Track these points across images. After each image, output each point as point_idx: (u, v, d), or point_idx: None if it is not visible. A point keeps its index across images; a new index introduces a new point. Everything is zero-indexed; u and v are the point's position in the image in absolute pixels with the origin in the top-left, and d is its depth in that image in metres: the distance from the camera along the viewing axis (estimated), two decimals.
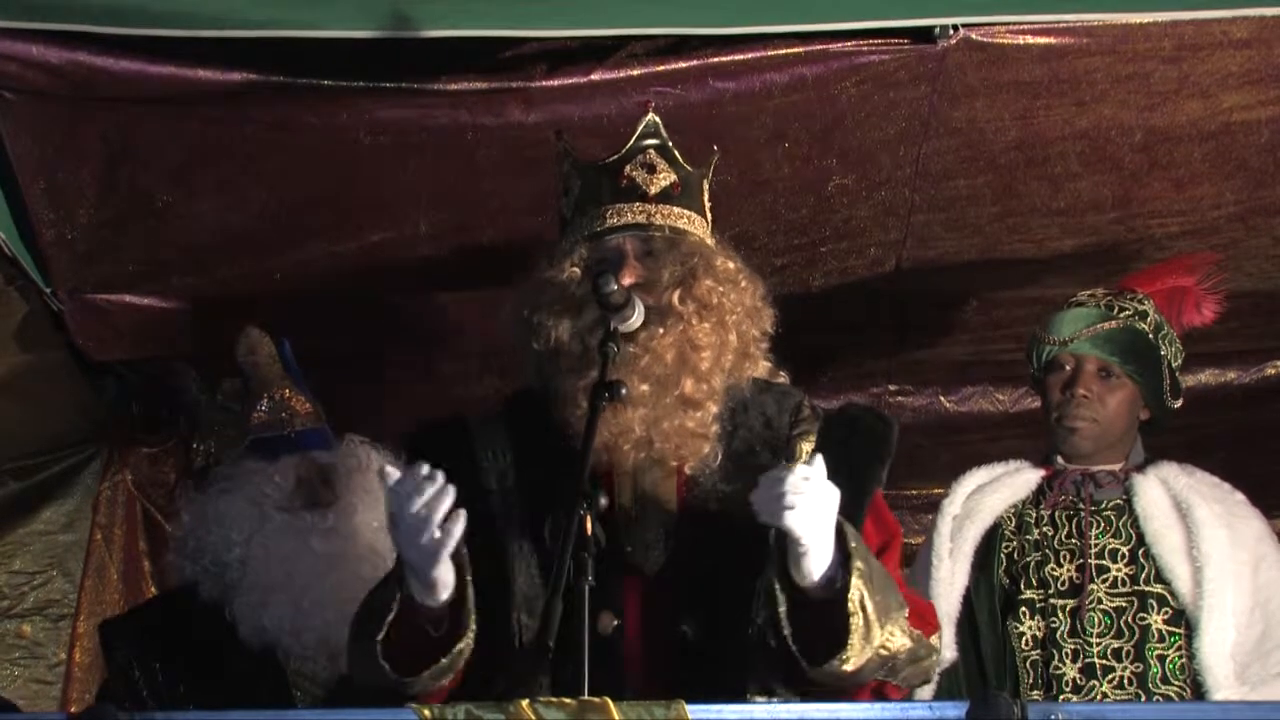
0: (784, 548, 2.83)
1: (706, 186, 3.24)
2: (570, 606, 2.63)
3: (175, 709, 3.76)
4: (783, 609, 2.85)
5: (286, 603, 3.83)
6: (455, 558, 2.83)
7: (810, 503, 2.77)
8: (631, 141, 3.16)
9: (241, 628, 3.84)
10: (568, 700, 2.54)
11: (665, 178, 3.14)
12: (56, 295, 4.49)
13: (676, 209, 3.14)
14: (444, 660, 2.86)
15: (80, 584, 5.09)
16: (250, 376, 4.03)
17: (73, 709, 4.72)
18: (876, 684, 2.94)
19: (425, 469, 2.79)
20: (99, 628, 4.20)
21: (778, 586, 2.85)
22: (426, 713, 2.57)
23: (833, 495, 2.81)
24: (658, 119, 3.18)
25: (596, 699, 2.53)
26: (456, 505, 2.84)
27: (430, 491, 2.77)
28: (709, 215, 3.23)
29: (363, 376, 4.85)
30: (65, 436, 5.14)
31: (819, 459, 2.82)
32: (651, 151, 3.16)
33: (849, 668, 2.82)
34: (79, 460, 5.18)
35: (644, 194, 3.12)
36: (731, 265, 3.14)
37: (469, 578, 2.87)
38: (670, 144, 3.18)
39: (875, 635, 2.83)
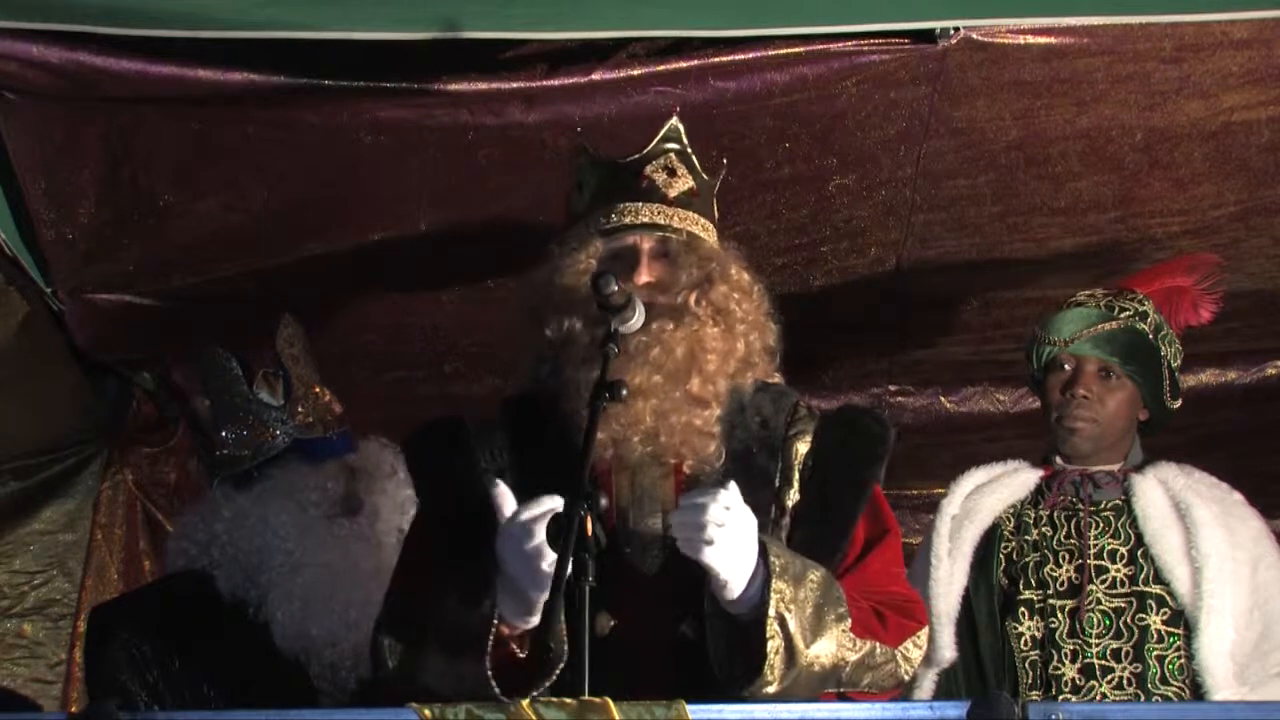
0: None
1: (715, 198, 3.26)
2: (569, 607, 2.63)
3: (194, 702, 3.74)
4: (710, 633, 2.87)
5: (332, 613, 3.78)
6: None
7: (729, 535, 2.79)
8: (654, 143, 3.18)
9: (278, 632, 3.80)
10: (568, 700, 2.54)
11: (684, 183, 3.16)
12: (57, 295, 4.49)
13: (693, 214, 3.16)
14: (546, 684, 2.81)
15: (81, 584, 5.08)
16: (288, 370, 3.99)
17: (73, 709, 4.73)
18: (836, 695, 2.95)
19: (550, 500, 2.79)
20: (90, 612, 4.14)
21: (707, 610, 2.87)
22: (427, 713, 2.57)
23: (751, 523, 2.83)
24: (680, 125, 3.20)
25: (597, 699, 2.53)
26: (456, 505, 2.85)
27: (540, 533, 2.76)
28: (716, 226, 3.25)
29: (363, 376, 4.85)
30: (66, 436, 5.13)
31: (733, 485, 2.84)
32: (673, 155, 3.18)
33: (770, 689, 2.82)
34: (79, 460, 5.17)
35: (663, 196, 3.14)
36: (746, 277, 3.17)
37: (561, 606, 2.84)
38: (690, 151, 3.20)
39: (801, 656, 2.83)
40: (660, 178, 3.15)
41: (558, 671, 2.79)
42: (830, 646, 2.87)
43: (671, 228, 3.12)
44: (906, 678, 3.05)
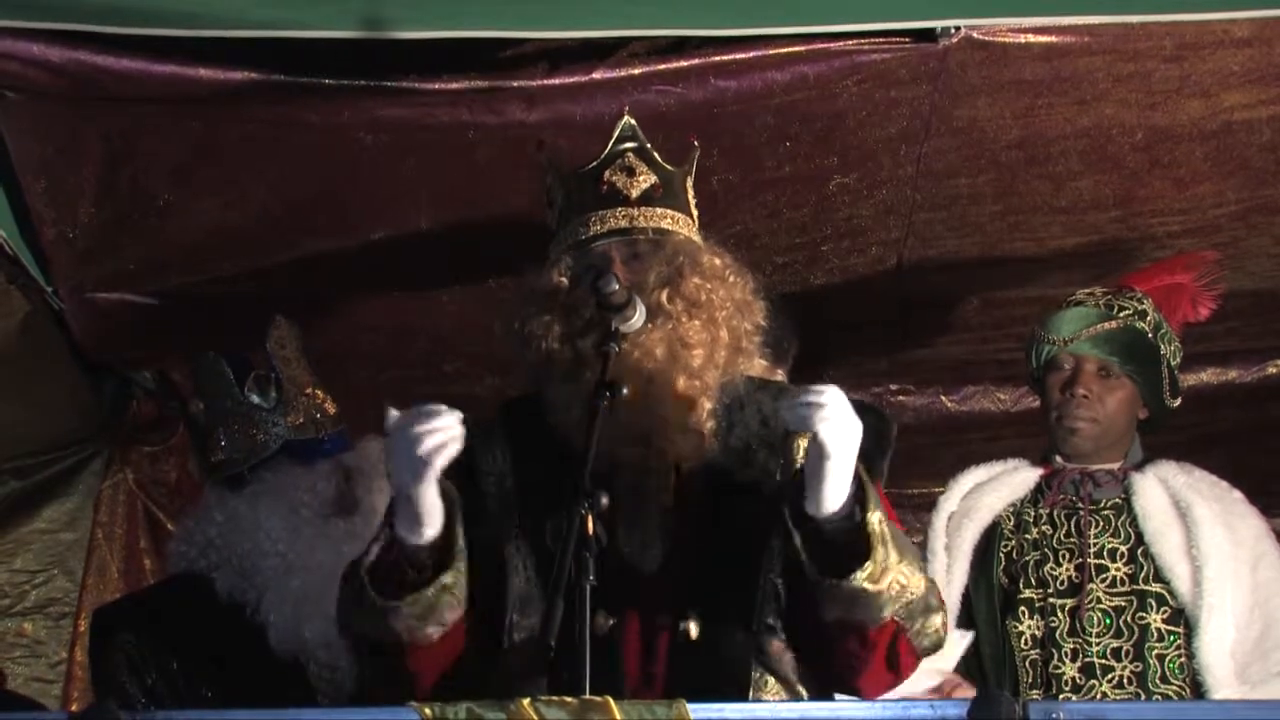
0: (800, 483, 2.84)
1: (690, 183, 3.22)
2: (568, 605, 2.62)
3: (192, 703, 3.74)
4: (797, 541, 2.85)
5: (326, 614, 3.75)
6: (446, 500, 2.86)
7: (842, 418, 2.79)
8: (609, 146, 3.15)
9: (273, 633, 3.79)
10: (569, 699, 2.54)
11: (645, 180, 3.13)
12: (57, 294, 4.49)
13: (659, 210, 3.12)
14: (429, 591, 2.86)
15: (82, 583, 5.09)
16: (279, 371, 3.98)
17: (74, 707, 4.73)
18: (894, 627, 2.92)
19: (431, 406, 2.83)
20: (93, 614, 4.14)
21: (790, 521, 2.85)
22: (427, 711, 2.57)
23: (858, 426, 2.83)
24: (633, 121, 3.17)
25: (598, 698, 2.53)
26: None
27: (434, 420, 2.80)
28: (694, 211, 3.22)
29: (362, 376, 4.85)
30: (66, 435, 5.13)
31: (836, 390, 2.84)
32: (630, 155, 3.15)
33: (873, 586, 2.81)
34: (80, 459, 5.18)
35: (625, 198, 3.11)
36: (718, 261, 3.12)
37: (458, 519, 2.88)
38: (648, 145, 3.17)
39: (893, 562, 2.84)
40: (620, 180, 3.12)
41: (445, 582, 2.84)
42: (915, 569, 2.90)
43: (636, 229, 3.09)
44: (943, 641, 3.05)
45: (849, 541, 2.83)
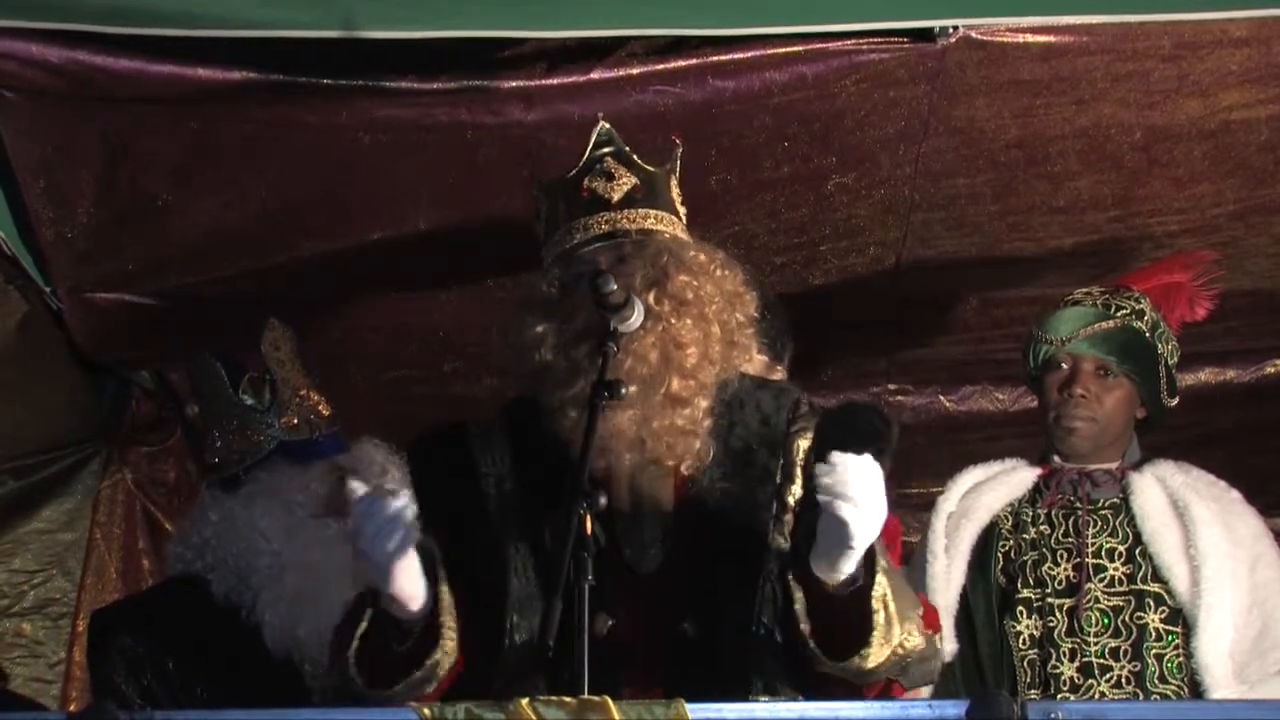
0: (809, 541, 2.82)
1: (674, 182, 3.21)
2: (567, 606, 2.62)
3: (187, 704, 3.74)
4: (799, 605, 2.85)
5: (320, 613, 3.77)
6: (429, 570, 2.85)
7: (871, 501, 2.75)
8: (587, 153, 3.14)
9: (268, 633, 3.80)
10: (567, 699, 2.54)
11: (625, 182, 3.12)
12: (56, 294, 4.49)
13: (642, 210, 3.11)
14: (417, 673, 2.87)
15: (80, 583, 5.08)
16: (274, 373, 3.99)
17: (72, 708, 4.73)
18: (885, 683, 2.94)
19: (390, 485, 2.82)
20: (92, 616, 4.15)
21: (794, 581, 2.85)
22: (426, 712, 2.57)
23: (884, 505, 2.78)
24: (609, 126, 3.17)
25: (596, 698, 2.53)
26: (455, 510, 2.88)
27: (395, 506, 2.79)
28: (680, 210, 3.20)
29: (362, 376, 4.85)
30: (65, 435, 5.13)
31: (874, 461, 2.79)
32: (608, 160, 3.13)
33: (869, 664, 2.83)
34: (79, 459, 5.17)
35: (607, 202, 3.10)
36: (703, 257, 3.11)
37: (443, 590, 2.88)
38: (626, 149, 3.16)
39: (895, 633, 2.84)
40: (600, 185, 3.11)
41: (433, 661, 2.83)
42: (913, 630, 2.89)
43: (619, 231, 3.08)
44: (936, 677, 3.05)
45: (851, 609, 2.82)
